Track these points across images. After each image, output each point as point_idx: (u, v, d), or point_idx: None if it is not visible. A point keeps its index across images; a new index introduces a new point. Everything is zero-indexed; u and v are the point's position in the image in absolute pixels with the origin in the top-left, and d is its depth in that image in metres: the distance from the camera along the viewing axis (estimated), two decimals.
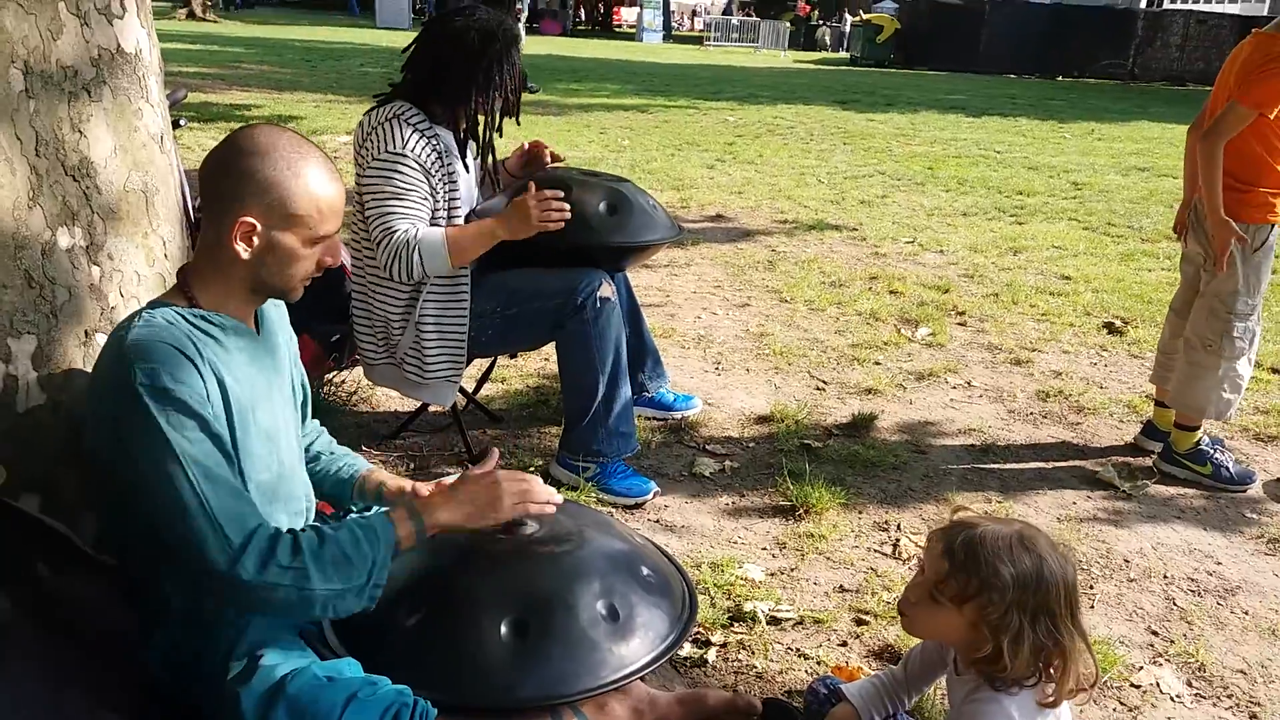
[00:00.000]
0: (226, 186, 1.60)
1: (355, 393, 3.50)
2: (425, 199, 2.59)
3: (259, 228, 1.59)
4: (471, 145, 2.77)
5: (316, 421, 2.15)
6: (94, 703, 1.58)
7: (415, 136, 2.56)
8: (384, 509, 1.71)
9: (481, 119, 2.69)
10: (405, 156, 2.55)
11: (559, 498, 1.80)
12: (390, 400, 3.48)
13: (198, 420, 1.53)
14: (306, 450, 2.07)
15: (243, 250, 1.61)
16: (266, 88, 13.10)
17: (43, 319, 1.87)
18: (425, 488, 1.95)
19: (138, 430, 1.51)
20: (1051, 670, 1.48)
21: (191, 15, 28.13)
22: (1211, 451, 3.19)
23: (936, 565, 1.55)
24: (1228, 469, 3.16)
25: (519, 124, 2.87)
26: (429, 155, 2.59)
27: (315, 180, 1.62)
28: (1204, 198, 3.00)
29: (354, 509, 2.06)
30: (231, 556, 1.49)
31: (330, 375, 3.36)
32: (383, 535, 1.61)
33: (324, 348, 3.15)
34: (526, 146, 3.00)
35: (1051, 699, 1.49)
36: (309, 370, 2.11)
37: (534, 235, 2.57)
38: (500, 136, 2.82)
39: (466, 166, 2.75)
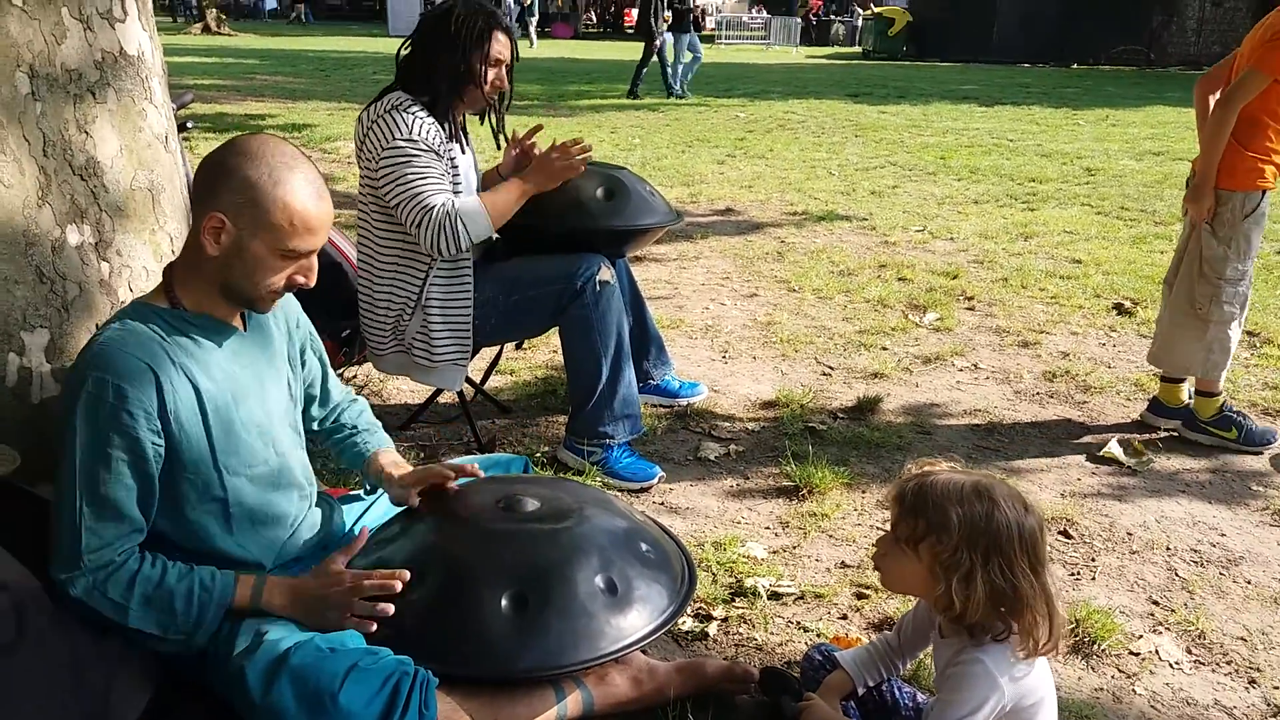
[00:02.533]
0: (210, 181, 1.64)
1: (365, 386, 3.56)
2: (444, 175, 2.67)
3: (228, 225, 1.61)
4: (461, 134, 2.84)
5: (350, 390, 2.21)
6: (110, 680, 1.63)
7: (418, 122, 2.63)
8: (234, 574, 1.72)
9: (467, 99, 2.75)
10: (414, 140, 2.61)
11: (390, 609, 1.72)
12: (400, 393, 3.54)
13: (124, 440, 1.59)
14: (336, 421, 2.14)
15: (210, 246, 1.63)
16: (280, 98, 13.24)
17: (55, 313, 1.94)
18: (410, 476, 2.03)
19: (65, 429, 1.60)
20: (1017, 621, 1.52)
21: (206, 29, 28.45)
22: (1235, 416, 3.24)
23: (892, 511, 1.60)
24: (1253, 430, 3.22)
25: (502, 107, 2.91)
26: (434, 138, 2.65)
27: (294, 192, 1.62)
28: (1201, 158, 3.04)
29: (365, 486, 2.14)
30: (70, 571, 1.60)
31: (340, 370, 3.42)
32: (216, 600, 1.66)
33: (335, 343, 3.21)
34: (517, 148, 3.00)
35: (1023, 650, 1.52)
36: None
37: (558, 186, 2.79)
38: (482, 123, 2.90)
39: (464, 151, 2.81)
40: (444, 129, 2.71)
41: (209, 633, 1.67)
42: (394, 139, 2.60)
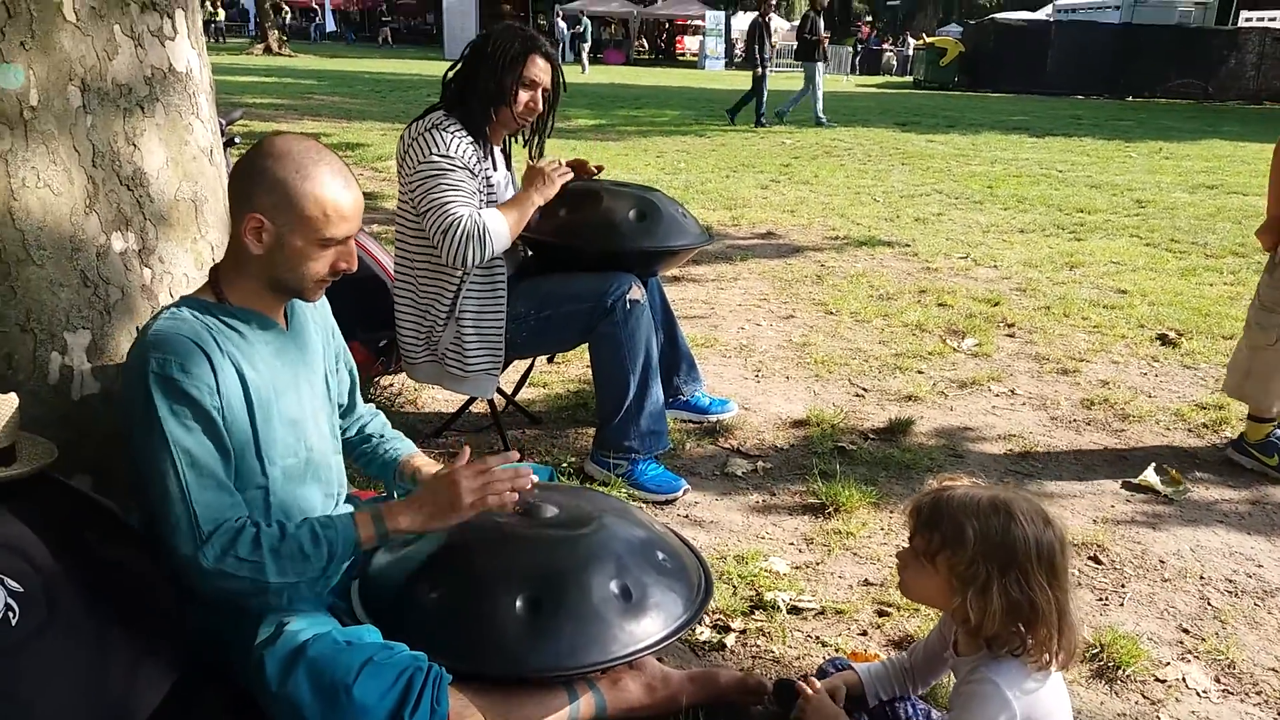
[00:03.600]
0: (243, 185, 1.73)
1: (400, 394, 3.63)
2: (475, 193, 2.73)
3: (266, 224, 1.70)
4: (498, 153, 2.90)
5: (373, 405, 2.27)
6: (136, 664, 1.68)
7: (455, 141, 2.69)
8: (350, 511, 1.81)
9: (500, 119, 2.80)
10: (450, 157, 2.68)
11: (528, 481, 1.85)
12: (434, 402, 3.60)
13: (197, 412, 1.66)
14: (360, 431, 2.20)
15: (253, 246, 1.72)
16: (336, 117, 13.53)
17: (97, 316, 2.01)
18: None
19: (141, 414, 1.65)
20: (1033, 635, 1.51)
21: (268, 50, 29.19)
22: None
23: (909, 524, 1.61)
24: None
25: (541, 131, 2.98)
26: (470, 157, 2.71)
27: (323, 184, 1.71)
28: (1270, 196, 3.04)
29: (396, 491, 2.17)
30: (197, 543, 1.64)
31: (377, 378, 3.50)
32: (342, 536, 1.73)
33: (372, 353, 3.28)
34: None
35: (1035, 664, 1.52)
36: (359, 374, 2.23)
37: (561, 194, 2.87)
38: (522, 145, 2.97)
39: (497, 170, 2.87)
40: (479, 148, 2.77)
41: (339, 568, 1.73)
42: (430, 154, 2.67)
